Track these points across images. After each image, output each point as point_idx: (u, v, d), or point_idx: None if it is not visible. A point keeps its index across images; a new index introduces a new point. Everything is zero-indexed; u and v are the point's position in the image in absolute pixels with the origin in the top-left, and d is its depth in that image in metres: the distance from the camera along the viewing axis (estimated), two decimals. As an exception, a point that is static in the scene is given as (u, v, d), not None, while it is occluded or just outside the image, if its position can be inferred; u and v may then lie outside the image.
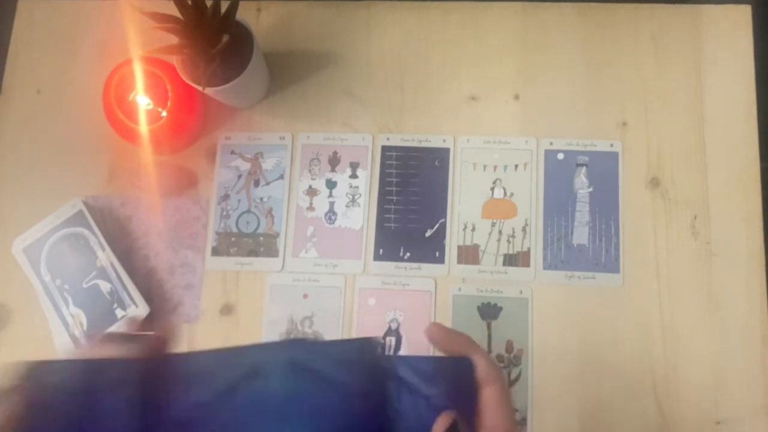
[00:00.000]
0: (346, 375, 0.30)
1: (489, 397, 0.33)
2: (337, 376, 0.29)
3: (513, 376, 0.62)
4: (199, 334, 0.64)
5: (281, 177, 0.68)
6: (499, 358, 0.63)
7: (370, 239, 0.66)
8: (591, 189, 0.66)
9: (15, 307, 0.66)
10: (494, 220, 0.66)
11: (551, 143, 0.67)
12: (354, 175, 0.68)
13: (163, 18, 0.56)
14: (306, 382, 0.29)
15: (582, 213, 0.65)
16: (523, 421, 0.61)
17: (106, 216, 0.67)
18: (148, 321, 0.64)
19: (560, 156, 0.67)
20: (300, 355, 0.30)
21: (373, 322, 0.64)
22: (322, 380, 0.29)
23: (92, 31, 0.72)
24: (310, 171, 0.68)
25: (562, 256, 0.65)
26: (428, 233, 0.66)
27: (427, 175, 0.67)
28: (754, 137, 0.66)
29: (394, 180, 0.67)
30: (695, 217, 0.65)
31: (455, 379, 0.33)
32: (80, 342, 0.62)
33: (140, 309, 0.63)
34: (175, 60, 0.62)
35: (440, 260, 0.65)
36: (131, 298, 0.63)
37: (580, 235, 0.65)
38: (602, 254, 0.64)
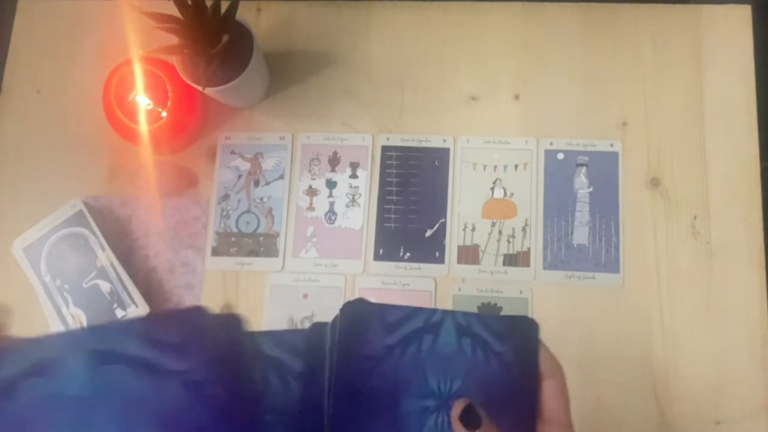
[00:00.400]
0: (503, 346, 0.35)
1: (549, 390, 0.35)
2: (493, 345, 0.35)
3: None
4: (199, 334, 0.64)
5: (281, 177, 0.68)
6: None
7: (370, 239, 0.66)
8: (591, 189, 0.66)
9: (15, 307, 0.66)
10: (494, 220, 0.66)
11: (551, 143, 0.67)
12: (354, 175, 0.68)
13: (163, 18, 0.56)
14: (467, 344, 0.34)
15: (582, 213, 0.65)
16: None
17: (106, 216, 0.67)
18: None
19: (560, 156, 0.67)
20: (463, 320, 0.35)
21: (373, 322, 0.64)
22: (482, 345, 0.34)
23: (92, 31, 0.72)
24: (310, 171, 0.68)
25: (562, 256, 0.65)
26: (428, 233, 0.66)
27: (427, 175, 0.67)
28: (754, 137, 0.66)
29: (394, 180, 0.67)
30: (695, 217, 0.65)
31: (523, 339, 0.36)
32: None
33: (140, 309, 0.63)
34: (175, 60, 0.62)
35: (440, 260, 0.65)
36: (131, 298, 0.63)
37: (580, 235, 0.65)
38: (602, 254, 0.64)
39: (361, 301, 0.35)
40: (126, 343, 0.27)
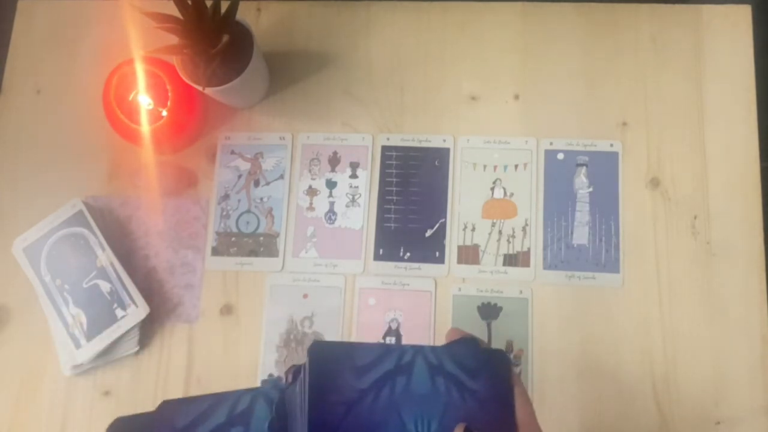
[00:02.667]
0: (476, 383, 0.35)
1: (518, 395, 0.36)
2: (466, 383, 0.35)
3: (513, 376, 0.62)
4: (199, 334, 0.64)
5: (281, 177, 0.68)
6: (499, 358, 0.63)
7: (370, 239, 0.66)
8: (591, 189, 0.66)
9: (15, 307, 0.66)
10: (494, 220, 0.66)
11: (551, 143, 0.67)
12: (354, 175, 0.68)
13: (163, 18, 0.56)
14: (441, 383, 0.35)
15: (582, 213, 0.65)
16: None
17: (106, 216, 0.67)
18: (148, 321, 0.64)
19: (560, 156, 0.67)
20: (433, 358, 0.35)
21: (373, 322, 0.64)
22: (456, 384, 0.35)
23: (92, 31, 0.72)
24: (310, 171, 0.68)
25: (562, 256, 0.65)
26: (428, 233, 0.66)
27: (427, 175, 0.67)
28: (754, 137, 0.66)
29: (394, 180, 0.67)
30: (695, 217, 0.65)
31: (495, 374, 0.36)
32: (80, 342, 0.62)
33: (140, 309, 0.63)
34: (175, 60, 0.62)
35: (440, 260, 0.65)
36: (131, 298, 0.63)
37: (580, 235, 0.65)
38: (602, 254, 0.64)
39: (327, 344, 0.35)
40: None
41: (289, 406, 0.35)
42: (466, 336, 0.38)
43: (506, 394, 0.36)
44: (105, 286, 0.63)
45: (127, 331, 0.62)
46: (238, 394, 0.34)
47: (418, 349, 0.35)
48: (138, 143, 0.64)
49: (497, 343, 0.63)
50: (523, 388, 0.37)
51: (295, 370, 0.36)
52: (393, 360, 0.35)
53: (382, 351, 0.35)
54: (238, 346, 0.64)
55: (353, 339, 0.63)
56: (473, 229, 0.66)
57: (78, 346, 0.62)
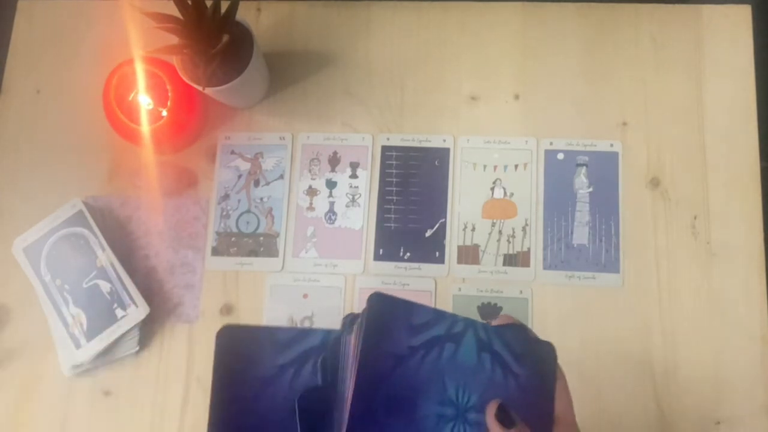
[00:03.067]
0: (521, 368, 0.36)
1: (559, 389, 0.37)
2: (512, 365, 0.36)
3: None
4: (199, 334, 0.64)
5: (281, 177, 0.68)
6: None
7: (370, 239, 0.66)
8: (591, 189, 0.66)
9: (15, 307, 0.66)
10: (494, 220, 0.66)
11: (551, 143, 0.67)
12: (354, 175, 0.68)
13: (163, 18, 0.56)
14: (487, 360, 0.35)
15: (582, 213, 0.65)
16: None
17: (106, 216, 0.67)
18: (148, 321, 0.64)
19: (560, 156, 0.67)
20: (483, 334, 0.35)
21: (373, 322, 0.64)
22: (501, 364, 0.35)
23: (92, 31, 0.72)
24: (310, 171, 0.68)
25: (562, 256, 0.65)
26: (428, 233, 0.66)
27: (427, 175, 0.67)
28: (754, 137, 0.66)
29: (394, 180, 0.67)
30: (695, 217, 0.65)
31: (540, 365, 0.36)
32: (80, 342, 0.62)
33: (140, 309, 0.63)
34: (175, 60, 0.62)
35: (440, 260, 0.65)
36: (131, 298, 0.63)
37: (580, 235, 0.65)
38: (602, 254, 0.64)
39: (387, 297, 0.35)
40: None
41: (340, 354, 0.35)
42: (516, 322, 0.38)
43: (548, 385, 0.36)
44: (105, 286, 0.63)
45: (127, 331, 0.62)
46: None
47: (470, 323, 0.35)
48: (138, 143, 0.64)
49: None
50: (566, 384, 0.37)
51: (351, 319, 0.36)
52: (445, 326, 0.35)
53: (435, 315, 0.35)
54: (238, 346, 0.64)
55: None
56: (473, 229, 0.66)
57: (78, 346, 0.62)
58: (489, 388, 0.35)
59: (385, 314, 0.34)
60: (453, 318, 0.35)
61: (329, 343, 0.36)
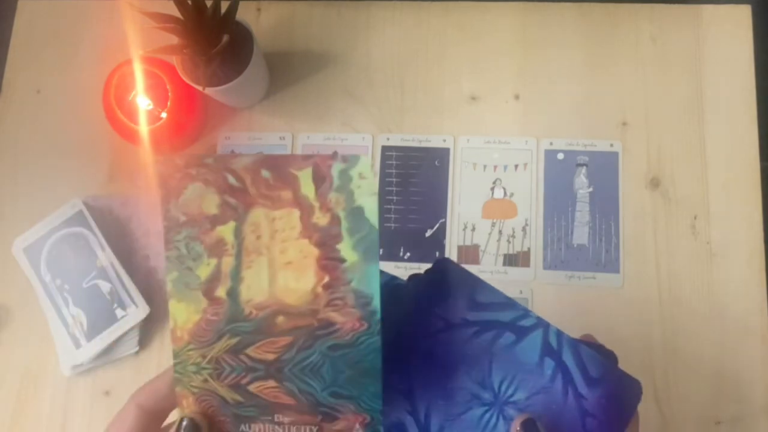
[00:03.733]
0: (589, 391, 0.34)
1: (630, 430, 0.35)
2: (578, 385, 0.34)
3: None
4: (199, 334, 0.64)
5: (281, 177, 0.68)
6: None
7: (370, 239, 0.66)
8: (591, 189, 0.66)
9: (15, 307, 0.66)
10: (494, 220, 0.66)
11: (551, 143, 0.67)
12: (354, 175, 0.67)
13: (163, 18, 0.56)
14: (549, 366, 0.33)
15: (582, 213, 0.65)
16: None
17: (106, 216, 0.67)
18: (148, 321, 0.64)
19: (560, 156, 0.67)
20: (554, 340, 0.34)
21: (373, 322, 0.64)
22: (565, 377, 0.33)
23: (92, 31, 0.72)
24: (310, 171, 0.68)
25: (562, 256, 0.65)
26: (428, 233, 0.66)
27: (427, 175, 0.67)
28: (754, 137, 0.66)
29: (394, 180, 0.67)
30: (695, 217, 0.65)
31: (616, 396, 0.34)
32: (80, 342, 0.62)
33: (140, 309, 0.63)
34: (175, 60, 0.62)
35: (440, 260, 0.65)
36: (131, 298, 0.63)
37: (580, 235, 0.65)
38: (602, 254, 0.64)
39: (456, 265, 0.34)
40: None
41: (398, 306, 0.35)
42: (604, 347, 0.37)
43: (619, 422, 0.34)
44: (105, 286, 0.63)
45: (127, 331, 0.63)
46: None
47: (543, 323, 0.33)
48: (138, 143, 0.64)
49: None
50: (638, 427, 0.35)
51: (415, 277, 0.37)
52: (512, 315, 0.33)
53: (505, 301, 0.34)
54: (238, 346, 0.64)
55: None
56: (473, 229, 0.66)
57: (78, 346, 0.62)
58: (541, 393, 0.33)
59: (449, 279, 0.34)
60: (525, 311, 0.33)
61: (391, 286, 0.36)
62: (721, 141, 0.66)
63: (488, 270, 0.64)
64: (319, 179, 0.29)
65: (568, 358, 0.34)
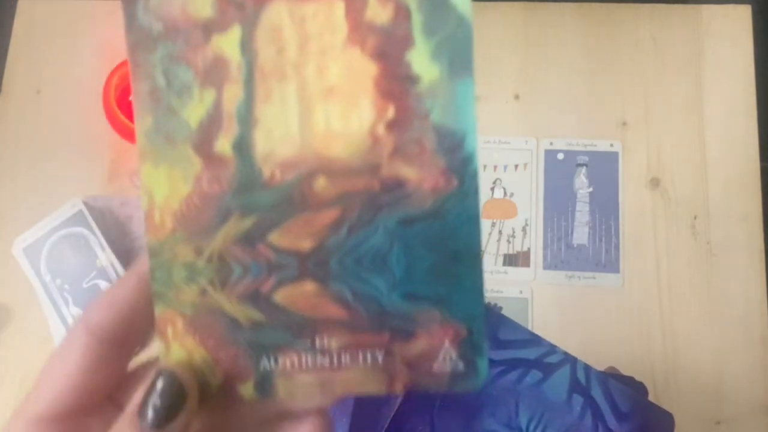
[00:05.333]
0: (619, 426, 0.32)
1: None
2: (608, 420, 0.31)
3: (513, 376, 0.62)
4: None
5: (281, 177, 0.68)
6: (499, 358, 0.63)
7: (370, 239, 0.66)
8: (591, 189, 0.66)
9: (15, 307, 0.66)
10: (494, 220, 0.66)
11: (551, 143, 0.67)
12: (354, 175, 0.67)
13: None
14: (578, 403, 0.31)
15: (582, 213, 0.65)
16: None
17: (106, 216, 0.67)
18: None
19: (560, 156, 0.67)
20: (582, 376, 0.32)
21: (373, 322, 0.63)
22: (595, 413, 0.31)
23: (92, 31, 0.72)
24: (310, 171, 0.68)
25: (562, 256, 0.65)
26: (428, 233, 0.66)
27: (427, 175, 0.67)
28: (754, 137, 0.66)
29: (394, 180, 0.67)
30: (695, 217, 0.65)
31: (647, 431, 0.33)
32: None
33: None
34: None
35: (440, 260, 0.65)
36: (131, 298, 0.63)
37: (580, 235, 0.65)
38: (602, 254, 0.64)
39: None
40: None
41: None
42: (633, 379, 0.36)
43: None
44: (105, 287, 0.63)
45: (127, 331, 0.62)
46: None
47: (570, 358, 0.32)
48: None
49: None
50: None
51: None
52: (537, 352, 0.32)
53: (530, 338, 0.32)
54: (238, 346, 0.64)
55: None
56: (473, 229, 0.65)
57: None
58: (570, 431, 0.31)
59: None
60: (551, 347, 0.32)
61: None
62: (721, 141, 0.66)
63: (488, 270, 0.64)
64: None
65: (597, 394, 0.32)
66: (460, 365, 0.19)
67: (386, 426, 0.30)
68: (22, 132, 0.70)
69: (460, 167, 0.20)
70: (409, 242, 0.19)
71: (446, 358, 0.19)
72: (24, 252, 0.64)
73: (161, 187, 0.20)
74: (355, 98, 0.19)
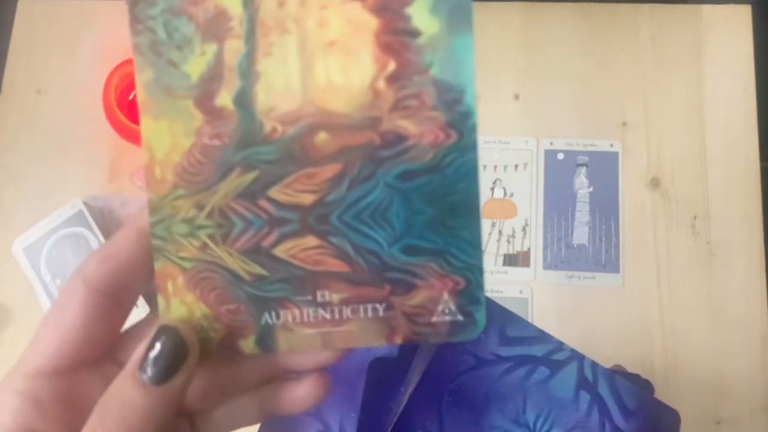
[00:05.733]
0: (626, 424, 0.31)
1: None
2: (615, 418, 0.31)
3: (513, 376, 0.62)
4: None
5: (281, 177, 0.68)
6: (499, 358, 0.63)
7: (370, 239, 0.66)
8: (591, 189, 0.66)
9: (15, 307, 0.66)
10: (494, 220, 0.66)
11: (551, 143, 0.67)
12: (354, 175, 0.67)
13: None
14: (585, 400, 0.31)
15: (582, 213, 0.65)
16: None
17: (106, 216, 0.67)
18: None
19: (560, 156, 0.67)
20: (589, 373, 0.32)
21: (373, 322, 0.64)
22: (602, 410, 0.31)
23: (92, 31, 0.72)
24: (310, 171, 0.68)
25: (562, 256, 0.65)
26: (428, 233, 0.66)
27: (427, 175, 0.67)
28: (754, 137, 0.66)
29: (394, 180, 0.67)
30: (695, 217, 0.65)
31: (654, 428, 0.33)
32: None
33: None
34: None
35: (440, 260, 0.65)
36: (131, 298, 0.63)
37: (580, 235, 0.65)
38: (602, 254, 0.64)
39: (487, 299, 0.34)
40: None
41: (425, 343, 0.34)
42: (640, 377, 0.36)
43: None
44: (105, 286, 0.63)
45: (127, 331, 0.62)
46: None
47: (577, 356, 0.32)
48: (138, 143, 0.64)
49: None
50: None
51: None
52: (544, 349, 0.32)
53: (537, 335, 0.32)
54: (238, 346, 0.64)
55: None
56: (473, 229, 0.66)
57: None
58: (577, 428, 0.31)
59: None
60: (558, 344, 0.32)
61: None
62: (721, 141, 0.66)
63: (488, 270, 0.64)
64: None
65: (603, 391, 0.32)
66: (459, 316, 0.20)
67: (394, 422, 0.30)
68: (22, 132, 0.70)
69: (460, 121, 0.21)
70: (409, 196, 0.20)
71: (445, 310, 0.20)
72: (24, 252, 0.64)
73: (162, 142, 0.20)
74: (355, 52, 0.19)
